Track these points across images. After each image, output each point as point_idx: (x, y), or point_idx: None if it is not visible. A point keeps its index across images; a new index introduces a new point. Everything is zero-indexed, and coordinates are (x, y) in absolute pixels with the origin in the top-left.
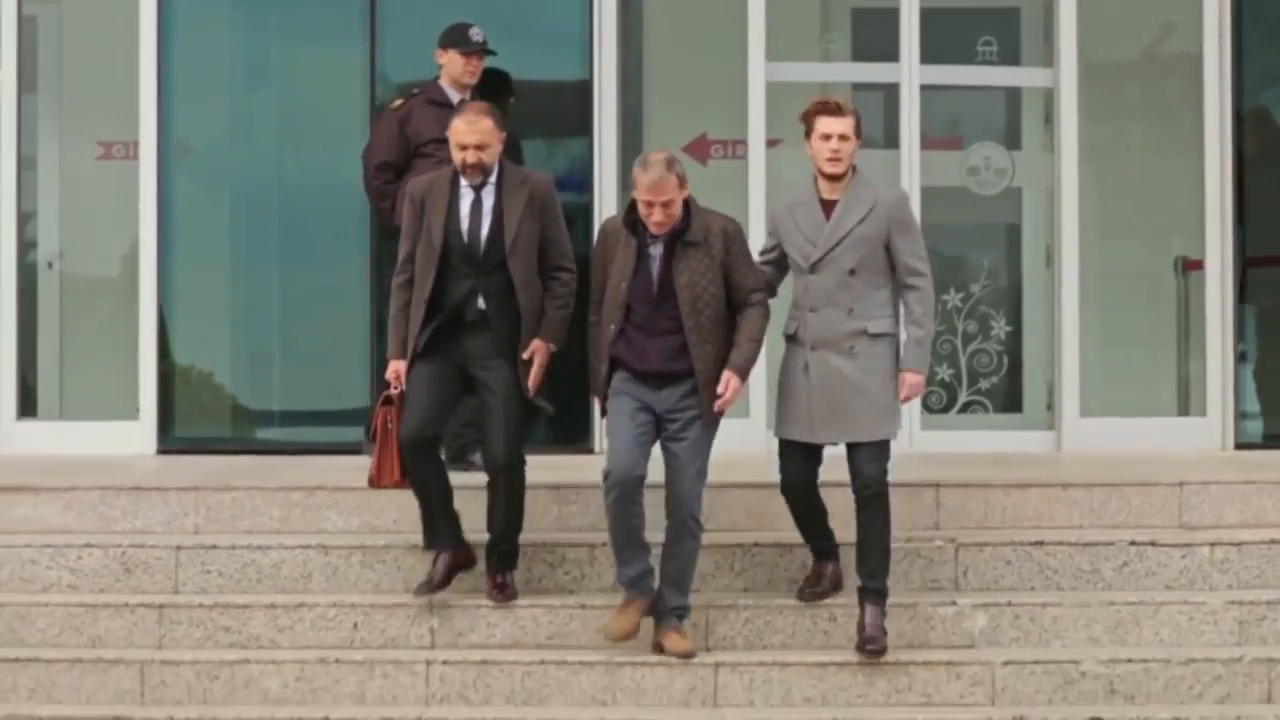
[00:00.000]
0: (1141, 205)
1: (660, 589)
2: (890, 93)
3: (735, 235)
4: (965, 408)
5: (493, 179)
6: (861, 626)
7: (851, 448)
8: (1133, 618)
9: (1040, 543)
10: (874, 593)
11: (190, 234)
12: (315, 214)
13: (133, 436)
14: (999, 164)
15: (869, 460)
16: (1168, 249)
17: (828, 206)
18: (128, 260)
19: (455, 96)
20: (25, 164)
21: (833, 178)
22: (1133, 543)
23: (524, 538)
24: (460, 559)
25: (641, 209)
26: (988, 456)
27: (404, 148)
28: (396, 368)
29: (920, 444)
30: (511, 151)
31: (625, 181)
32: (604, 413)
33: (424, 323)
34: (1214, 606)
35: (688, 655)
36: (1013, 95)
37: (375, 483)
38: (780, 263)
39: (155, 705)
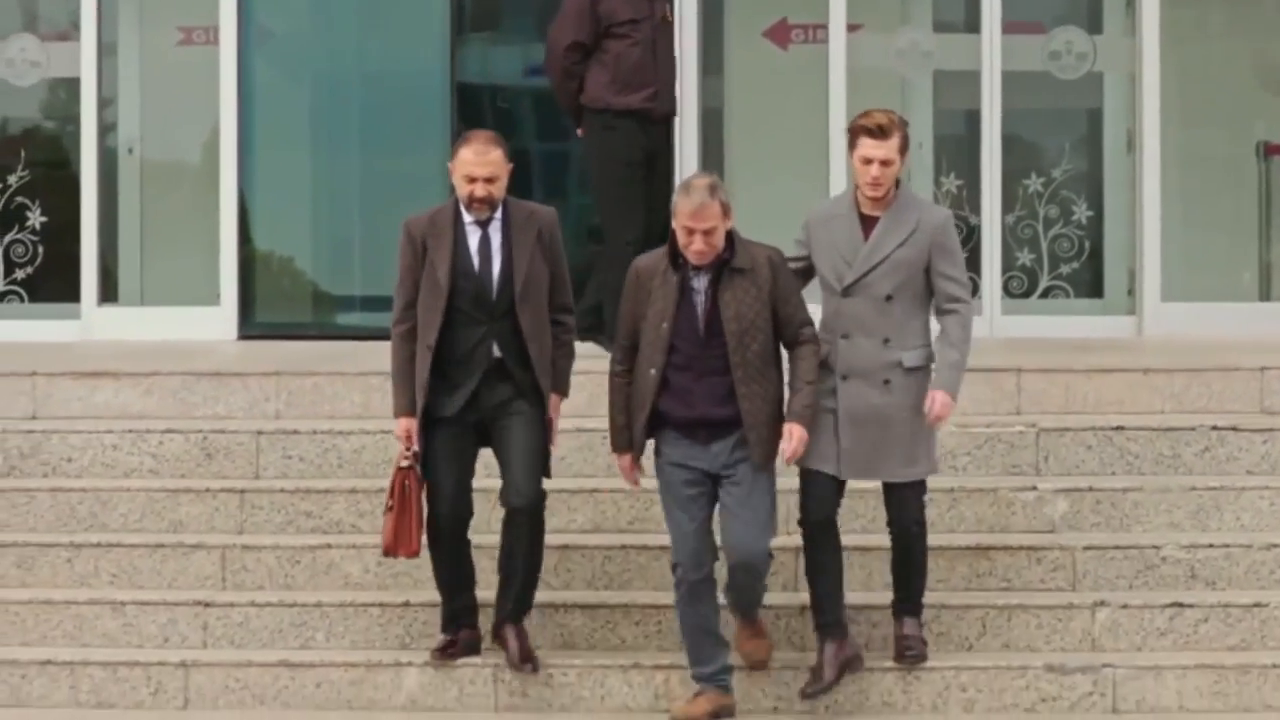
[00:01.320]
0: (1223, 90)
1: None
2: None
3: (781, 266)
4: (1046, 293)
5: (498, 214)
6: (900, 636)
7: (887, 486)
8: (1214, 503)
9: (1121, 428)
10: (911, 606)
11: (270, 119)
12: (395, 99)
13: (213, 322)
14: (1080, 48)
15: (904, 501)
16: (1249, 134)
17: (868, 224)
18: (208, 146)
19: None
20: (105, 50)
21: (874, 199)
22: (1214, 428)
23: (605, 423)
24: (476, 639)
25: (681, 237)
26: (1068, 341)
27: (595, 27)
28: (408, 426)
29: (1001, 329)
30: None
31: (706, 66)
32: (633, 460)
33: (437, 375)
34: None
35: (760, 664)
36: None
37: (390, 552)
38: (806, 273)
39: (236, 590)
